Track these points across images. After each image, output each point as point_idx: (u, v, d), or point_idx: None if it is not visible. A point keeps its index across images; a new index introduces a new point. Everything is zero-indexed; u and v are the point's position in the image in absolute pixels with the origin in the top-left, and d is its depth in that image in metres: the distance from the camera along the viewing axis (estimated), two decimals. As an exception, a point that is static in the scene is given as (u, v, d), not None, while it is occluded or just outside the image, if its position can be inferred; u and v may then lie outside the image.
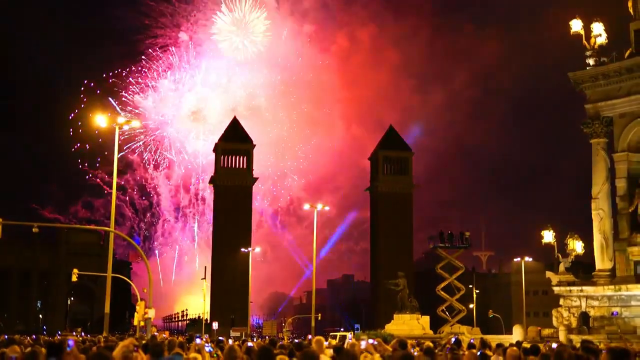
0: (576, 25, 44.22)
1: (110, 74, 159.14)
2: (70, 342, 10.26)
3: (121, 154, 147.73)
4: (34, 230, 36.92)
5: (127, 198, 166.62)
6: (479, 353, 12.04)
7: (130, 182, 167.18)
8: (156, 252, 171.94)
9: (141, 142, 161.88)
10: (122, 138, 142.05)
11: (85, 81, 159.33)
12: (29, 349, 12.30)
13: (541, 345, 17.73)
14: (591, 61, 44.24)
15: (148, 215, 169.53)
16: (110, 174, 42.38)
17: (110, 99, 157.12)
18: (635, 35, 43.69)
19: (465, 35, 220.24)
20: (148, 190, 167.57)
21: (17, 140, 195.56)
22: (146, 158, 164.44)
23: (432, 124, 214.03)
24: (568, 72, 45.48)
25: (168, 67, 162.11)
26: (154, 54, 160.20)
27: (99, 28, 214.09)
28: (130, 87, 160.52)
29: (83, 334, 75.69)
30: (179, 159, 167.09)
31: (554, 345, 17.30)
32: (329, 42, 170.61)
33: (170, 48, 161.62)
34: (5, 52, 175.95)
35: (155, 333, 40.76)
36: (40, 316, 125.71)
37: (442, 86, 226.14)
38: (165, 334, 55.58)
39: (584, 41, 44.20)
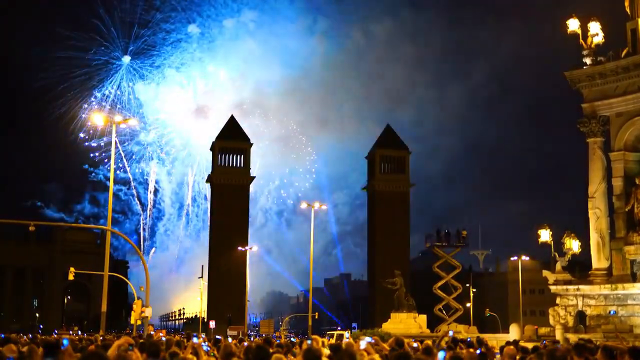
0: (573, 25, 44.28)
1: (116, 67, 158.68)
2: (65, 341, 10.28)
3: (128, 144, 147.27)
4: (30, 228, 36.89)
5: (135, 193, 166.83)
6: (478, 352, 12.04)
7: (137, 176, 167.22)
8: (156, 249, 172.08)
9: (146, 136, 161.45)
10: (128, 132, 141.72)
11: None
12: (25, 347, 12.28)
13: (539, 344, 17.73)
14: (588, 60, 44.30)
15: (152, 211, 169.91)
16: (116, 169, 42.22)
17: (113, 94, 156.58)
18: (631, 35, 43.75)
19: (482, 30, 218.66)
20: (152, 186, 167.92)
21: (19, 137, 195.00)
22: (150, 153, 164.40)
23: (437, 121, 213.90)
24: (564, 71, 45.57)
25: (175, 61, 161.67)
26: (163, 47, 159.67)
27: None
28: (136, 80, 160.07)
29: (79, 332, 75.65)
30: (183, 156, 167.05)
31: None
32: (343, 37, 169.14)
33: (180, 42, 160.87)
34: (6, 48, 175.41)
35: (152, 332, 40.73)
36: (37, 315, 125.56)
37: (454, 83, 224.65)
38: (162, 333, 55.51)
39: (581, 40, 44.29)
